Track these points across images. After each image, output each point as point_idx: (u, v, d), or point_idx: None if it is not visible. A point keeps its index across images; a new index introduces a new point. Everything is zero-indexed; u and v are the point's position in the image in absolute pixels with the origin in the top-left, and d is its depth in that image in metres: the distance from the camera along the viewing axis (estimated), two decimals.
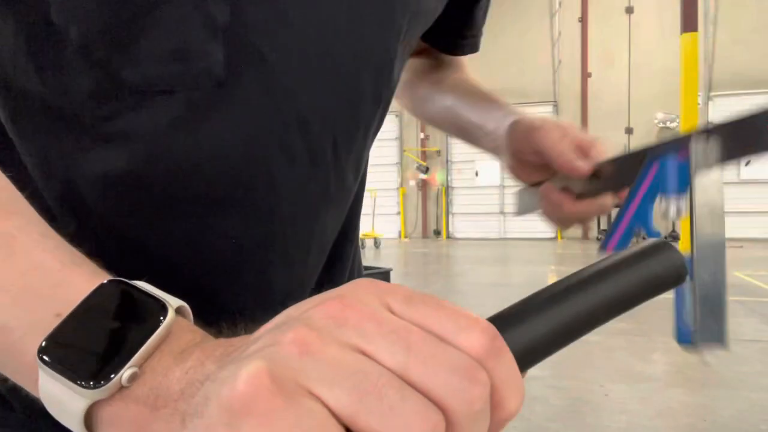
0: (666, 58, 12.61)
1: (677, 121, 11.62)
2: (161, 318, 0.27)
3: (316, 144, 0.48)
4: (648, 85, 13.07)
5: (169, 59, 0.40)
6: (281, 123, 0.45)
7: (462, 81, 0.82)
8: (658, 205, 0.52)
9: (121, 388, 0.26)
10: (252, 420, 0.21)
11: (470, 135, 0.79)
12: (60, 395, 0.26)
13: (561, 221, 0.69)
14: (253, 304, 0.49)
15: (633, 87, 13.12)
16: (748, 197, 12.70)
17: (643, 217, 0.52)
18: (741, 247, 11.29)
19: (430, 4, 0.58)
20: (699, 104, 9.53)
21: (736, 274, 7.65)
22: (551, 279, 7.27)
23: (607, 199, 0.65)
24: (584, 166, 0.63)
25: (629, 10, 13.27)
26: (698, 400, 3.35)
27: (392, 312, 0.24)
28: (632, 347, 4.36)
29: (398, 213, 15.16)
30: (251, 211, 0.47)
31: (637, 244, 0.33)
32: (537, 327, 0.28)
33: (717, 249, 0.47)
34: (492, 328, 0.24)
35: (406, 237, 15.11)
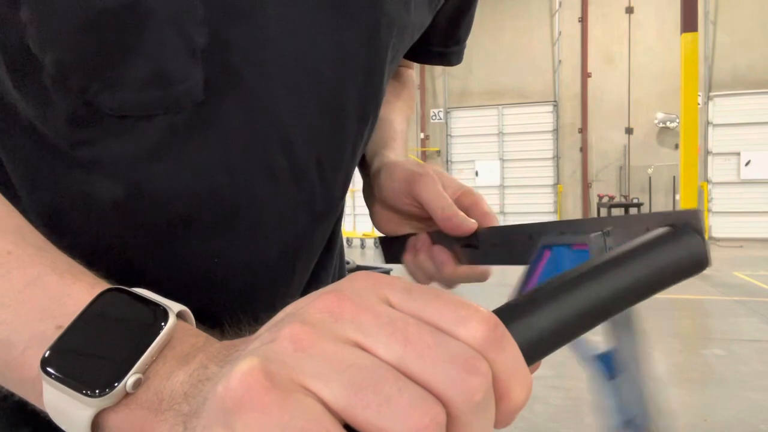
0: (666, 58, 12.61)
1: (677, 121, 11.62)
2: (162, 323, 0.27)
3: (300, 163, 0.48)
4: (648, 85, 13.06)
5: (149, 84, 0.40)
6: (263, 143, 0.45)
7: (384, 116, 0.75)
8: None
9: (126, 394, 0.26)
10: (246, 417, 0.21)
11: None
12: (65, 406, 0.26)
13: (440, 280, 0.61)
14: (240, 317, 0.49)
15: (633, 87, 13.12)
16: (748, 197, 12.70)
17: None
18: (741, 247, 11.29)
19: (418, 18, 0.56)
20: (699, 104, 9.53)
21: (736, 274, 7.65)
22: None
23: (487, 270, 0.59)
24: (470, 225, 0.55)
25: (629, 10, 13.27)
26: (698, 400, 3.35)
27: (390, 304, 0.24)
28: None
29: None
30: (235, 231, 0.47)
31: (653, 231, 0.31)
32: (546, 317, 0.27)
33: (641, 346, 0.43)
34: (493, 318, 0.24)
35: None
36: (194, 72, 0.40)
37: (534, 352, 0.27)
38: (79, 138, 0.41)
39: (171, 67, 0.40)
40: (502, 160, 14.42)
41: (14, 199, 0.36)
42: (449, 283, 0.60)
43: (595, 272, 0.29)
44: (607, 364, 0.42)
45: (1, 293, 0.29)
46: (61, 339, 0.27)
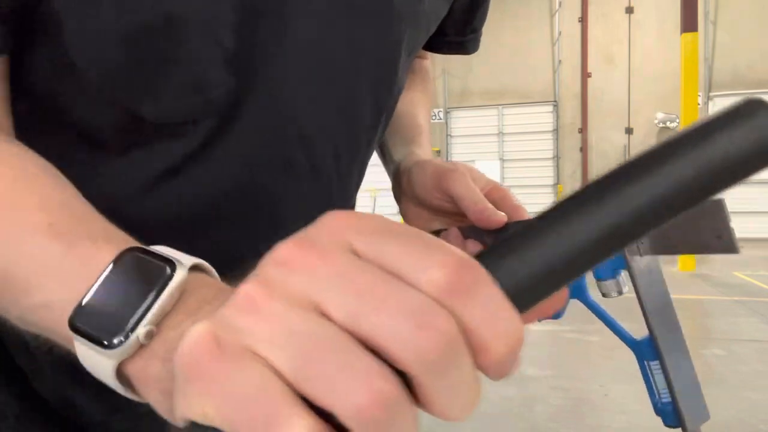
0: (666, 58, 12.61)
1: (677, 121, 11.62)
2: (171, 277, 0.28)
3: (318, 159, 0.49)
4: (648, 85, 13.07)
5: (186, 92, 0.42)
6: (281, 139, 0.46)
7: (404, 101, 0.76)
8: (595, 285, 0.49)
9: (141, 346, 0.27)
10: (195, 385, 0.20)
11: (381, 156, 0.75)
12: (93, 358, 0.28)
13: None
14: None
15: (633, 87, 13.12)
16: (748, 197, 12.70)
17: (577, 290, 0.49)
18: (741, 247, 11.27)
19: (433, 9, 0.57)
20: (699, 104, 9.53)
21: (736, 274, 7.65)
22: None
23: None
24: (501, 217, 0.56)
25: (629, 10, 13.27)
26: None
27: (353, 249, 0.22)
28: None
29: (398, 213, 15.13)
30: (253, 226, 0.48)
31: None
32: (547, 248, 0.22)
33: (675, 333, 0.44)
34: (461, 261, 0.21)
35: None
36: (227, 77, 0.42)
37: (531, 292, 0.23)
38: (124, 143, 0.44)
39: (206, 74, 0.42)
40: (502, 160, 14.42)
41: None
42: None
43: (619, 180, 0.23)
44: (646, 349, 0.44)
45: (44, 262, 0.31)
46: (85, 299, 0.28)
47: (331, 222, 0.23)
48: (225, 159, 0.45)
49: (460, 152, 14.64)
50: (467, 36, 0.74)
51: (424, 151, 0.68)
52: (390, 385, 0.19)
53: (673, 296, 0.47)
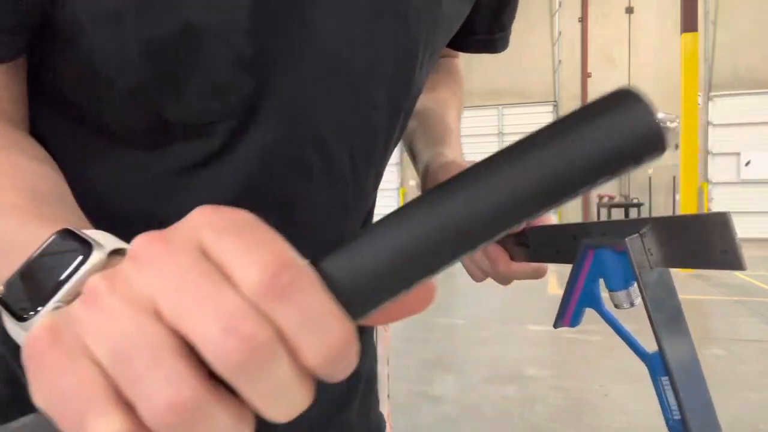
0: (666, 58, 12.61)
1: (677, 121, 11.61)
2: (86, 259, 0.28)
3: (333, 159, 0.49)
4: (648, 85, 13.06)
5: (206, 96, 0.43)
6: (299, 142, 0.47)
7: (435, 101, 0.77)
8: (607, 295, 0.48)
9: None
10: (32, 377, 0.21)
11: (411, 157, 0.75)
12: (14, 331, 0.29)
13: (495, 276, 0.63)
14: None
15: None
16: (748, 197, 12.70)
17: (591, 300, 0.48)
18: (741, 247, 11.27)
19: (453, 9, 0.57)
20: (699, 104, 9.53)
21: (736, 274, 7.64)
22: (551, 278, 7.26)
23: (542, 267, 0.60)
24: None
25: (629, 10, 13.27)
26: None
27: (203, 247, 0.21)
28: None
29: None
30: (268, 224, 0.48)
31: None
32: (385, 248, 0.21)
33: (686, 349, 0.43)
34: (286, 261, 0.21)
35: None
36: (246, 81, 0.43)
37: (368, 295, 0.22)
38: (151, 141, 0.45)
39: (224, 78, 0.43)
40: None
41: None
42: (504, 279, 0.62)
43: (484, 171, 0.21)
44: (657, 364, 0.42)
45: (3, 239, 0.33)
46: (12, 276, 0.29)
47: (191, 217, 0.22)
48: (243, 159, 0.46)
49: None
50: (495, 34, 0.74)
51: (453, 151, 0.68)
52: (190, 391, 0.19)
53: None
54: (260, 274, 0.20)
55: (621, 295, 0.46)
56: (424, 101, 0.73)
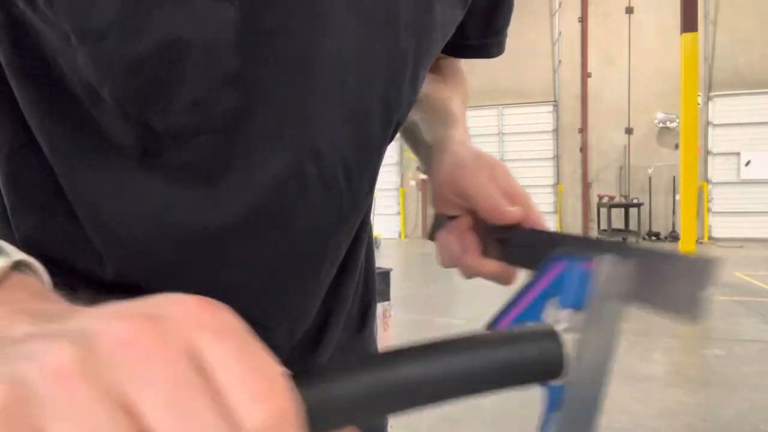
0: (666, 58, 12.61)
1: (677, 121, 11.61)
2: None
3: (328, 171, 0.49)
4: (648, 85, 13.07)
5: (191, 110, 0.43)
6: (293, 153, 0.47)
7: (438, 91, 0.75)
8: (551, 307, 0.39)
9: None
10: None
11: (409, 141, 0.74)
12: None
13: (461, 267, 0.61)
14: (265, 319, 0.52)
15: (633, 87, 13.12)
16: (748, 197, 12.70)
17: (534, 314, 0.40)
18: (741, 247, 11.28)
19: (446, 15, 0.56)
20: (699, 104, 9.53)
21: (736, 274, 7.64)
22: None
23: (510, 273, 0.57)
24: (513, 212, 0.55)
25: (629, 10, 13.27)
26: (698, 400, 3.35)
27: (193, 352, 0.20)
28: (632, 347, 4.36)
29: (398, 213, 15.16)
30: (262, 239, 0.49)
31: (523, 325, 0.30)
32: (360, 383, 0.26)
33: (589, 403, 0.35)
34: (280, 397, 0.20)
35: (406, 237, 15.11)
36: (231, 94, 0.43)
37: (323, 420, 0.25)
38: (142, 149, 0.45)
39: (210, 93, 0.42)
40: (502, 160, 14.35)
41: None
42: (468, 272, 0.60)
43: (429, 349, 0.28)
44: (555, 396, 0.35)
45: None
46: None
47: (185, 307, 0.21)
48: (236, 172, 0.46)
49: None
50: (489, 39, 0.72)
51: (459, 133, 0.67)
52: None
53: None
54: (261, 415, 0.20)
55: (565, 312, 0.37)
56: (426, 91, 0.71)
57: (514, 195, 0.58)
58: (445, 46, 0.64)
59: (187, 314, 0.21)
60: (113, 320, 0.20)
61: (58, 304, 0.28)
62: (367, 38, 0.47)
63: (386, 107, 0.52)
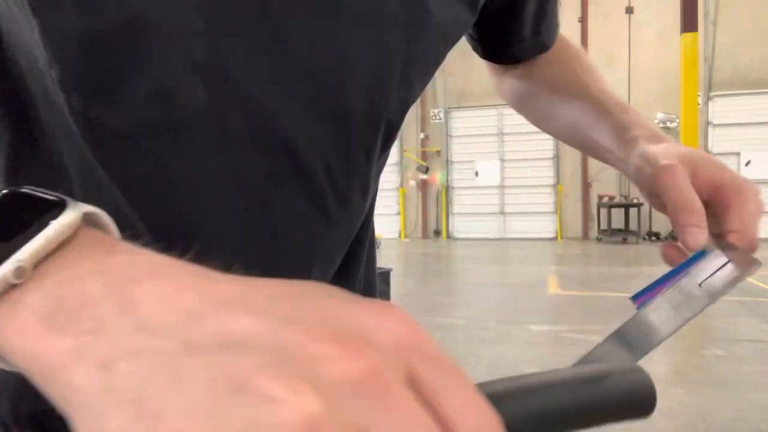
0: (666, 58, 12.61)
1: (677, 121, 11.61)
2: (54, 216, 0.25)
3: (306, 170, 0.47)
4: (648, 85, 13.07)
5: (150, 101, 0.40)
6: (267, 151, 0.45)
7: (582, 86, 0.74)
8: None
9: (12, 287, 0.23)
10: None
11: (602, 156, 0.70)
12: None
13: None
14: None
15: (633, 87, 13.12)
16: None
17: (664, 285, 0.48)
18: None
19: (448, 14, 0.53)
20: (699, 104, 9.53)
21: None
22: (551, 279, 7.26)
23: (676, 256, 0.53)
24: (694, 242, 0.49)
25: (629, 10, 13.27)
26: (698, 400, 3.34)
27: (413, 378, 0.20)
28: None
29: (398, 213, 15.16)
30: (243, 238, 0.47)
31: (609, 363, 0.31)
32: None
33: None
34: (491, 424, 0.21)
35: (406, 237, 15.11)
36: (196, 86, 0.41)
37: None
38: (97, 156, 0.42)
39: (172, 83, 0.40)
40: (502, 161, 14.42)
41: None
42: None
43: (521, 385, 0.29)
44: None
45: None
46: None
47: (391, 324, 0.21)
48: (202, 171, 0.43)
49: (460, 152, 14.64)
50: (541, 36, 0.74)
51: (644, 132, 0.63)
52: None
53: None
54: None
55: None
56: (573, 89, 0.73)
57: (719, 196, 0.51)
58: (508, 54, 0.68)
59: (401, 338, 0.21)
60: (336, 349, 0.19)
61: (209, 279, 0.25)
62: (346, 34, 0.46)
63: (371, 107, 0.49)
